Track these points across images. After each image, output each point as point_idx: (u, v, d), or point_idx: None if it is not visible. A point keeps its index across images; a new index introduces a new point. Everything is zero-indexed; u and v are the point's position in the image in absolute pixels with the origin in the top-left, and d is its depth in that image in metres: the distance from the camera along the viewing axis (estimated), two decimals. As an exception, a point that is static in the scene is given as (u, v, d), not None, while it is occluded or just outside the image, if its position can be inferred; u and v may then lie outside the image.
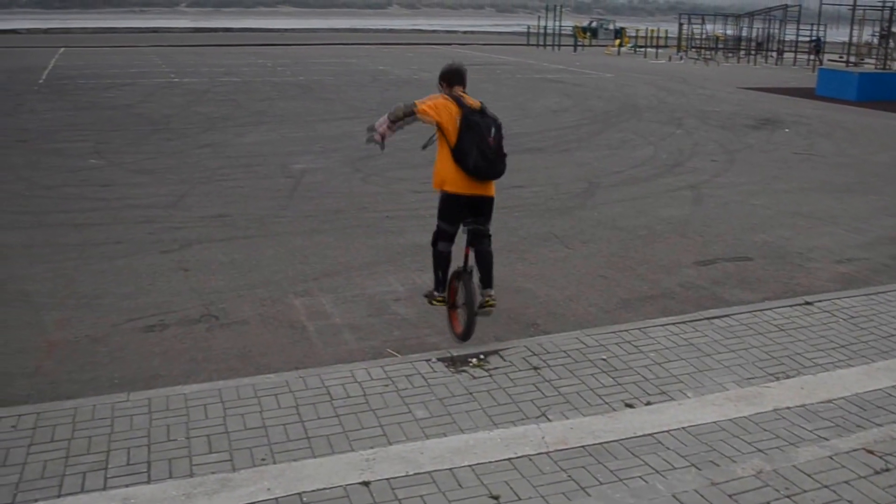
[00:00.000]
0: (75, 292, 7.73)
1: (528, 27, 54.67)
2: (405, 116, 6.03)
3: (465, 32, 69.12)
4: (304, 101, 22.26)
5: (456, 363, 6.01)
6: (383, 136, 6.20)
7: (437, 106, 6.04)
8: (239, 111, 20.06)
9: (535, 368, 5.95)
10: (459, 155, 5.98)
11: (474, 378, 5.79)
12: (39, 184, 12.17)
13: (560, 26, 50.39)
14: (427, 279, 8.00)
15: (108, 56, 37.42)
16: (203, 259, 8.72)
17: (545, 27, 50.26)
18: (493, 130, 6.03)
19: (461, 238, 6.45)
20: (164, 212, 10.64)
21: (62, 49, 41.11)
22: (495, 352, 6.22)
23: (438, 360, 6.06)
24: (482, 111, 6.07)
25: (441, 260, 6.44)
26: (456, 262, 6.49)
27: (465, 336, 6.30)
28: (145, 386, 5.80)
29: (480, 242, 6.30)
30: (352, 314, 7.21)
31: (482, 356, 6.12)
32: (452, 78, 6.26)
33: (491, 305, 6.28)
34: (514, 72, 32.31)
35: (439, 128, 6.07)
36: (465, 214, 6.27)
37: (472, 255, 6.36)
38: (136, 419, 5.23)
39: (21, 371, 6.09)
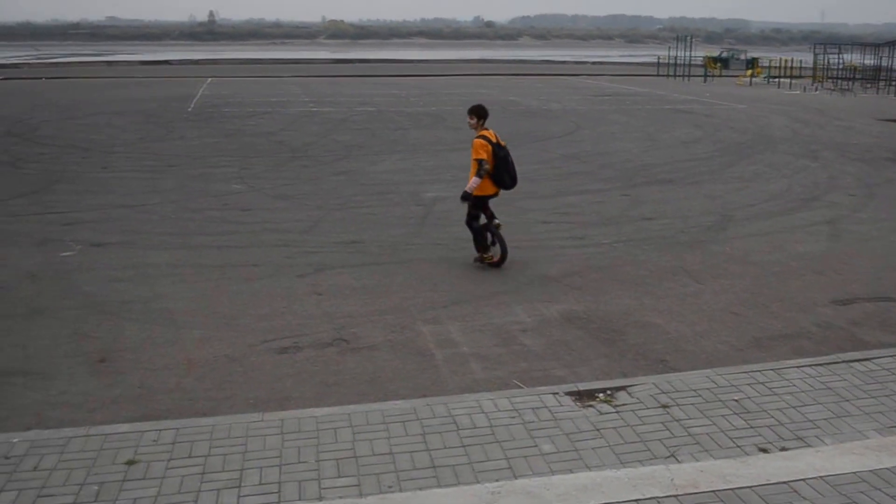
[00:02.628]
0: (215, 312, 8.02)
1: (658, 58, 53.85)
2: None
3: (594, 63, 68.70)
4: (435, 130, 22.58)
5: (583, 397, 5.87)
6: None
7: (487, 153, 8.90)
8: (374, 140, 20.53)
9: (665, 407, 5.74)
10: (497, 178, 9.06)
11: (601, 414, 5.64)
12: (186, 207, 12.78)
13: (691, 56, 49.34)
14: (555, 311, 7.97)
15: (252, 86, 39.16)
16: (336, 284, 8.90)
17: (675, 57, 49.35)
18: (510, 158, 9.08)
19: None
20: (300, 236, 10.95)
21: (210, 79, 43.35)
22: (623, 388, 6.05)
23: (565, 393, 5.95)
24: (500, 143, 9.01)
25: (481, 230, 9.35)
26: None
27: (504, 258, 9.36)
28: (278, 407, 5.93)
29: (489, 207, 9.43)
30: (479, 343, 7.18)
31: (609, 391, 5.96)
32: (482, 115, 9.02)
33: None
34: (643, 102, 31.81)
35: (484, 160, 8.88)
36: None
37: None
38: (269, 439, 5.34)
39: (163, 387, 6.33)
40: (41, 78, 44.18)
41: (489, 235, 9.42)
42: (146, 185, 14.54)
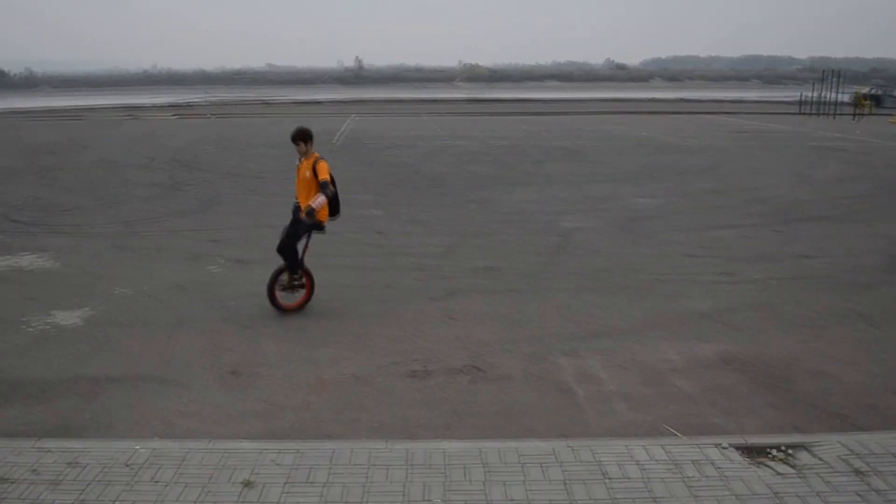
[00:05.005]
0: (346, 331, 7.54)
1: (802, 95, 50.72)
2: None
3: (731, 102, 65.80)
4: (569, 163, 21.70)
5: (754, 453, 4.86)
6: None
7: (329, 171, 8.19)
8: (508, 171, 19.87)
9: (859, 473, 4.63)
10: (333, 205, 8.35)
11: (778, 474, 4.60)
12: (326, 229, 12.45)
13: (838, 94, 46.14)
14: (709, 350, 7.01)
15: (393, 122, 39.48)
16: (469, 309, 8.20)
17: (820, 96, 46.31)
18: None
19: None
20: (434, 261, 10.36)
21: (354, 116, 44.08)
22: (802, 445, 4.98)
23: (732, 446, 4.95)
24: None
25: (299, 257, 8.31)
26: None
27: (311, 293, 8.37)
28: (405, 434, 5.28)
29: None
30: (623, 381, 6.27)
31: (785, 448, 4.91)
32: (308, 138, 8.24)
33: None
34: (787, 140, 29.75)
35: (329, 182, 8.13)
36: None
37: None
38: (392, 471, 4.68)
39: (290, 404, 5.88)
40: (208, 115, 46.29)
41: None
42: (289, 208, 14.35)
